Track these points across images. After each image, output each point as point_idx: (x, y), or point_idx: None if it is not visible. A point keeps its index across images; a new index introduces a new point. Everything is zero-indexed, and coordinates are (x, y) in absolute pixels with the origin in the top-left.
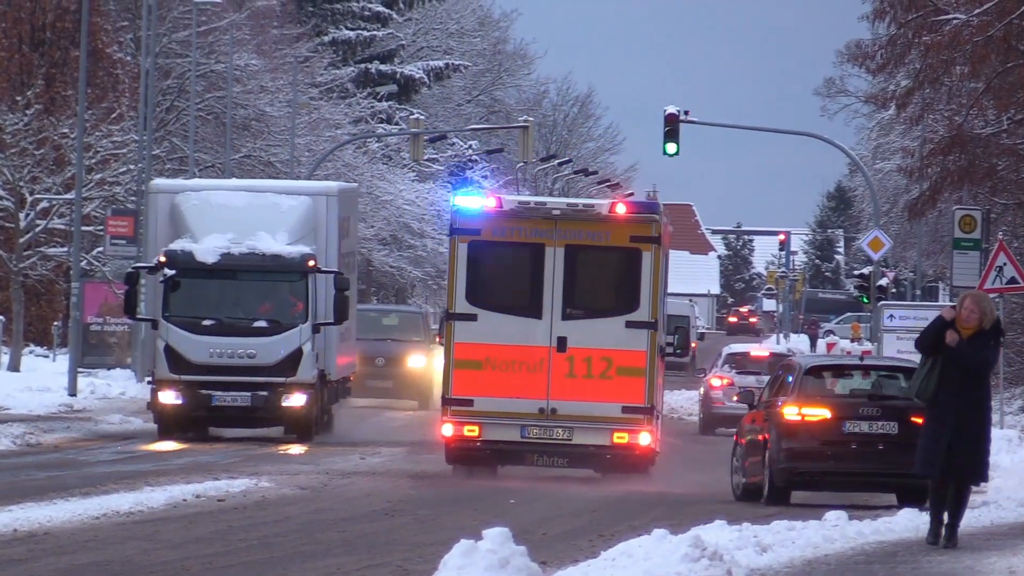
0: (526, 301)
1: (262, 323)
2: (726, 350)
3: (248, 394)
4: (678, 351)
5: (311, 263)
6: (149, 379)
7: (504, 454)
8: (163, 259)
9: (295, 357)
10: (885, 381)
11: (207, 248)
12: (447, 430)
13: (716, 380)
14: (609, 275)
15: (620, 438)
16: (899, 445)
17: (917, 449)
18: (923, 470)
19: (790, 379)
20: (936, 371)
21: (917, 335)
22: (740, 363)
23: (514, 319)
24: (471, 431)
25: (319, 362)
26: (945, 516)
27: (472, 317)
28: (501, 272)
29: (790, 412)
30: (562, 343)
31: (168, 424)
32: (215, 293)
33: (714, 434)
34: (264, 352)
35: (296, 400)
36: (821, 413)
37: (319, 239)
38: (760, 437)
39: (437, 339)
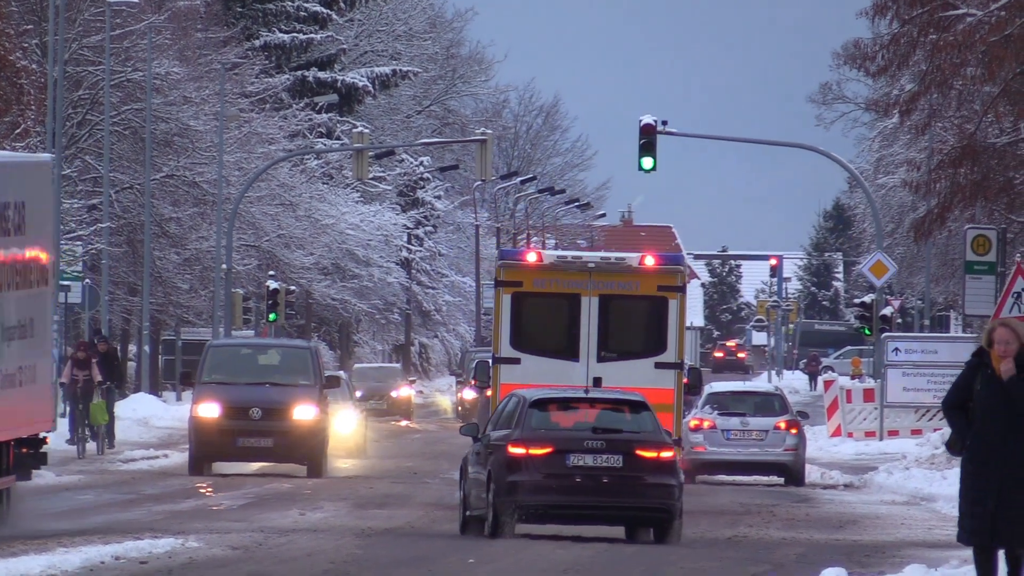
0: (564, 345)
1: None
2: (708, 389)
3: None
4: (693, 389)
5: None
6: None
7: None
8: None
9: None
10: (610, 415)
11: None
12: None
13: (696, 422)
14: (639, 321)
15: None
16: (624, 478)
17: (959, 515)
18: (971, 540)
19: (515, 412)
20: (972, 419)
21: (945, 393)
22: (723, 403)
23: (554, 362)
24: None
25: None
26: None
27: (516, 360)
28: (542, 320)
29: (514, 446)
30: (597, 383)
31: None
32: None
33: (694, 482)
34: None
35: None
36: (545, 447)
37: None
38: (485, 470)
39: (473, 383)
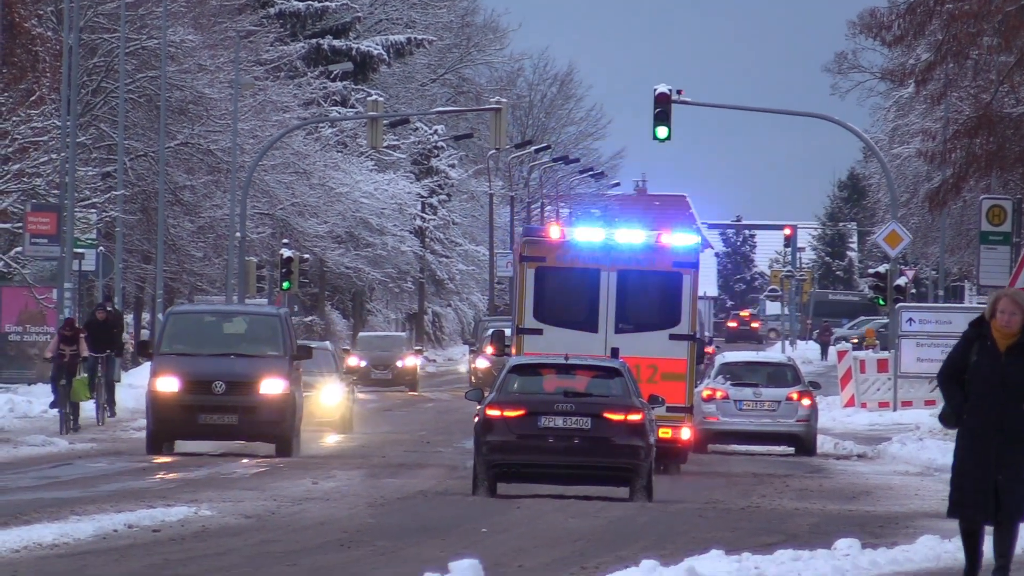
0: (584, 318)
1: None
2: (720, 359)
3: None
4: (697, 361)
5: None
6: None
7: None
8: None
9: None
10: (584, 380)
11: None
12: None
13: (708, 392)
14: (655, 295)
15: (665, 433)
16: (593, 439)
17: (952, 488)
18: (974, 516)
19: (499, 377)
20: (967, 392)
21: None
22: (735, 374)
23: (574, 333)
24: None
25: None
26: (982, 561)
27: (539, 331)
28: (563, 293)
29: (491, 408)
30: (615, 353)
31: None
32: None
33: (707, 452)
34: None
35: None
36: (518, 409)
37: None
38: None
39: (491, 351)
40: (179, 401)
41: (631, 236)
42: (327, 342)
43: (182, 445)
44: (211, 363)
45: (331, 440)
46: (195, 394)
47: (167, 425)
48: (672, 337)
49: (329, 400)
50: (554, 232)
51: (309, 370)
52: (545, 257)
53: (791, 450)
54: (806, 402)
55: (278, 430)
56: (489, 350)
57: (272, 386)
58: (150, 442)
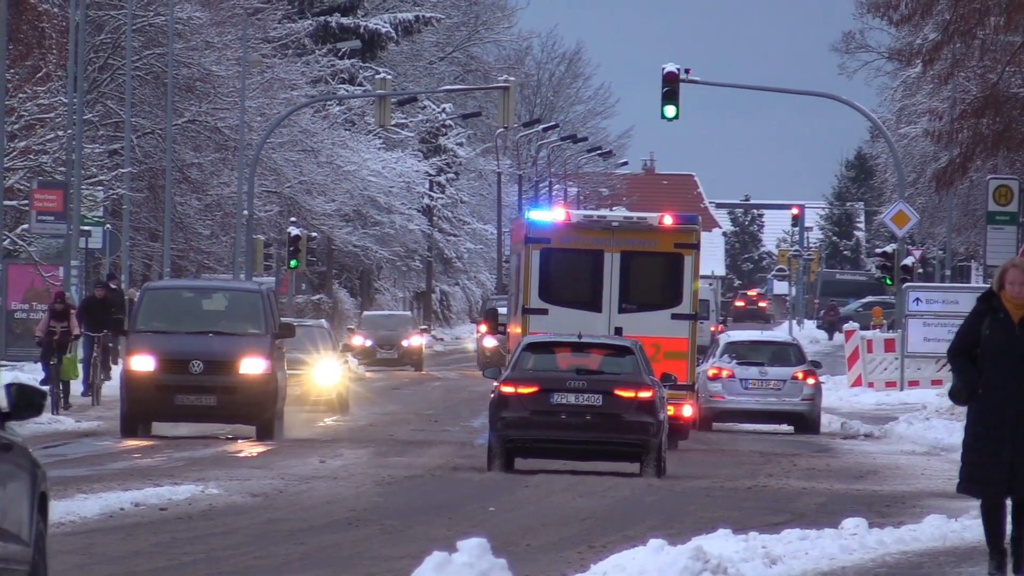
0: (588, 298)
1: None
2: (723, 338)
3: None
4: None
5: None
6: None
7: None
8: None
9: None
10: (596, 358)
11: None
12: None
13: (714, 371)
14: (657, 276)
15: (667, 410)
16: (604, 416)
17: (963, 465)
18: (986, 492)
19: (514, 354)
20: (981, 367)
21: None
22: (740, 353)
23: (578, 312)
24: None
25: None
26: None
27: (544, 311)
28: (568, 274)
29: (505, 385)
30: (619, 332)
31: None
32: None
33: (711, 430)
34: None
35: None
36: (532, 386)
37: None
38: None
39: (484, 327)
40: (155, 381)
41: (635, 218)
42: (323, 320)
43: (158, 427)
44: (188, 341)
45: (329, 421)
46: (172, 374)
47: (142, 406)
48: (674, 316)
49: (325, 380)
50: (559, 214)
51: (305, 348)
52: (550, 239)
53: (790, 428)
54: (811, 381)
55: (259, 412)
56: (483, 328)
57: (253, 365)
58: (124, 424)
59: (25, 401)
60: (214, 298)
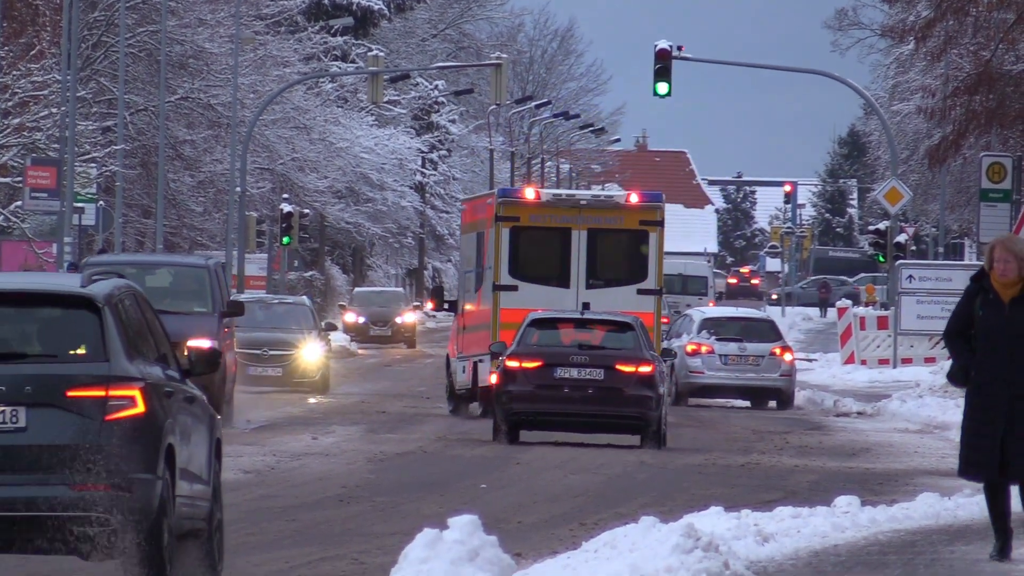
0: (557, 274)
1: None
2: (699, 314)
3: None
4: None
5: None
6: None
7: None
8: None
9: None
10: (599, 333)
11: None
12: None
13: (693, 347)
14: (623, 252)
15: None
16: (606, 389)
17: (962, 447)
18: (978, 473)
19: (519, 330)
20: (975, 347)
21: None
22: (717, 329)
23: (547, 288)
24: None
25: None
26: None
27: (514, 288)
28: (537, 251)
29: (510, 360)
30: (586, 307)
31: None
32: None
33: (687, 405)
34: None
35: None
36: (536, 360)
37: None
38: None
39: (431, 303)
40: None
41: (602, 196)
42: (304, 296)
43: None
44: None
45: (312, 401)
46: None
47: None
48: (640, 292)
49: (308, 359)
50: (528, 193)
51: (287, 328)
52: (519, 217)
53: (747, 403)
54: (788, 357)
55: (210, 395)
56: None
57: (198, 346)
58: None
59: (203, 360)
60: (158, 274)
